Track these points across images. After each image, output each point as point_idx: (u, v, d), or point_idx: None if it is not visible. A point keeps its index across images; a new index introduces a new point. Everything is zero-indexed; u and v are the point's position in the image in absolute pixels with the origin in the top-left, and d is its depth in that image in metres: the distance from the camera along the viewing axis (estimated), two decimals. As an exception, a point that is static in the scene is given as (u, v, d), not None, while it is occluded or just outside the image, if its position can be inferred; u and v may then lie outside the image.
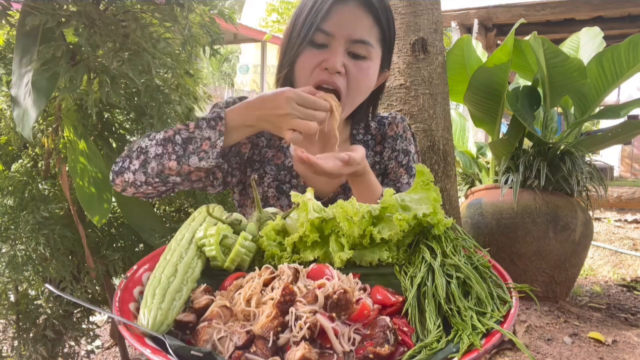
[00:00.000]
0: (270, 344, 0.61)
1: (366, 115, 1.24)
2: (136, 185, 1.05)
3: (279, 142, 1.23)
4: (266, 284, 0.71)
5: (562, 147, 2.93)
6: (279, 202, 1.21)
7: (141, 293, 0.74)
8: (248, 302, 0.68)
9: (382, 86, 1.21)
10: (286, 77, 1.12)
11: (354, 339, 0.63)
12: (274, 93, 0.97)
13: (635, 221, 5.30)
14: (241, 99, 1.22)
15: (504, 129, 3.42)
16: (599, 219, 5.41)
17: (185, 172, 1.03)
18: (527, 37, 2.76)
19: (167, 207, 1.62)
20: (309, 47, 1.05)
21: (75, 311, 1.52)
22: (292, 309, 0.63)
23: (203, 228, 0.83)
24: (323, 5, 1.02)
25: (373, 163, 1.26)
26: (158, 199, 1.18)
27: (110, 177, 1.08)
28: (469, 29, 6.37)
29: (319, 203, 0.88)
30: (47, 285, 0.79)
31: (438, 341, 0.63)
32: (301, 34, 1.04)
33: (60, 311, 1.41)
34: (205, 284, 0.75)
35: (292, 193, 0.89)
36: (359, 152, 1.01)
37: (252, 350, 0.61)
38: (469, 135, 3.77)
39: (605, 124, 5.35)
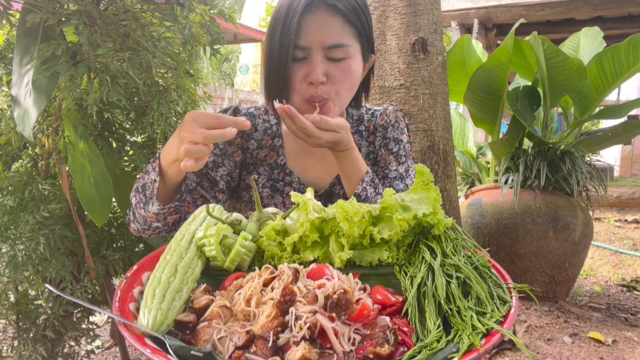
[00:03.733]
0: (270, 344, 0.61)
1: (360, 100, 1.27)
2: (141, 231, 1.11)
3: (270, 142, 1.24)
4: (266, 284, 0.71)
5: (562, 147, 2.93)
6: (273, 200, 1.22)
7: (141, 293, 0.74)
8: (248, 302, 0.68)
9: (371, 69, 1.23)
10: (281, 97, 1.14)
11: (354, 339, 0.63)
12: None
13: (635, 221, 5.30)
14: (235, 109, 1.24)
15: (504, 129, 3.42)
16: (599, 219, 5.41)
17: (161, 217, 1.06)
18: (527, 37, 2.76)
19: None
20: (292, 64, 1.07)
21: (75, 311, 1.52)
22: (292, 309, 0.63)
23: (203, 228, 0.83)
24: (292, 21, 1.03)
25: (367, 153, 1.28)
26: None
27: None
28: (469, 29, 6.36)
29: (319, 203, 0.88)
30: (47, 285, 0.79)
31: (438, 341, 0.63)
32: (282, 55, 1.06)
33: (60, 311, 1.41)
34: (205, 284, 0.75)
35: (292, 193, 0.89)
36: (337, 119, 1.02)
37: (252, 350, 0.61)
38: (469, 135, 3.77)
39: (607, 124, 5.35)
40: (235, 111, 1.24)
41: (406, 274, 0.76)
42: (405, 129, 1.30)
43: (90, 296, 1.50)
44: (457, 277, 0.72)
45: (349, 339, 0.63)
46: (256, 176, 1.17)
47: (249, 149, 1.24)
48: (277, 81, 1.09)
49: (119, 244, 1.50)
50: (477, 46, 3.43)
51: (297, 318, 0.62)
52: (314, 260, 0.81)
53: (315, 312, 0.63)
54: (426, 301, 0.70)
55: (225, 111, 1.23)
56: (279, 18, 1.07)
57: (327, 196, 1.24)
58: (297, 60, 1.07)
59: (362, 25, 1.10)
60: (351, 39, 1.08)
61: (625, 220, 5.36)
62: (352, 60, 1.09)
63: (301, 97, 1.09)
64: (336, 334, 0.62)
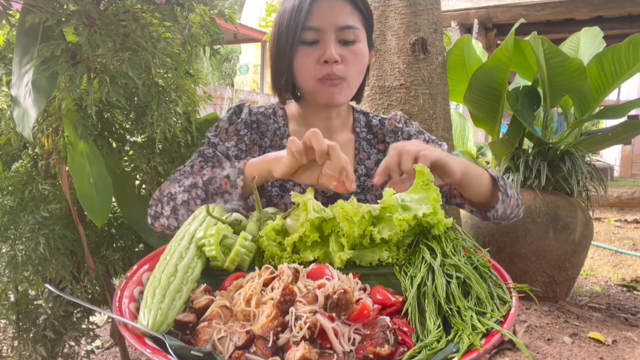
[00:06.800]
0: (270, 344, 0.61)
1: (362, 95, 1.28)
2: (171, 229, 1.10)
3: (279, 142, 1.24)
4: (266, 284, 0.71)
5: (562, 147, 2.93)
6: (283, 200, 1.22)
7: (141, 293, 0.74)
8: (248, 302, 0.68)
9: (368, 67, 1.25)
10: (287, 82, 1.16)
11: (354, 339, 0.63)
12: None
13: (635, 221, 5.30)
14: (240, 106, 1.24)
15: (504, 129, 3.42)
16: (599, 219, 5.41)
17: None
18: (527, 37, 2.76)
19: (167, 207, 1.62)
20: (302, 47, 1.10)
21: (75, 311, 1.51)
22: (292, 309, 0.63)
23: (203, 228, 0.83)
24: (303, 4, 1.07)
25: (377, 161, 1.27)
26: None
27: (149, 221, 1.13)
28: (469, 29, 6.36)
29: (319, 203, 0.88)
30: (47, 285, 0.79)
31: (438, 341, 0.63)
32: (289, 37, 1.08)
33: (60, 311, 1.41)
34: (205, 284, 0.75)
35: (292, 193, 0.89)
36: (399, 146, 0.94)
37: (252, 350, 0.61)
38: (469, 135, 3.77)
39: (607, 124, 5.34)
40: (240, 108, 1.24)
41: (406, 274, 0.76)
42: (418, 128, 1.31)
43: (90, 296, 1.50)
44: (457, 277, 0.72)
45: (349, 339, 0.63)
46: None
47: (262, 146, 1.25)
48: (286, 66, 1.11)
49: (119, 244, 1.50)
50: (477, 46, 3.43)
51: (297, 318, 0.62)
52: (314, 260, 0.81)
53: (315, 312, 0.63)
54: (426, 301, 0.70)
55: (231, 110, 1.24)
56: (288, 6, 1.10)
57: (334, 199, 1.23)
58: (308, 43, 1.09)
59: (368, 14, 1.15)
60: (359, 24, 1.13)
61: (625, 220, 5.36)
62: (362, 44, 1.13)
63: (315, 77, 1.11)
64: (336, 334, 0.62)
